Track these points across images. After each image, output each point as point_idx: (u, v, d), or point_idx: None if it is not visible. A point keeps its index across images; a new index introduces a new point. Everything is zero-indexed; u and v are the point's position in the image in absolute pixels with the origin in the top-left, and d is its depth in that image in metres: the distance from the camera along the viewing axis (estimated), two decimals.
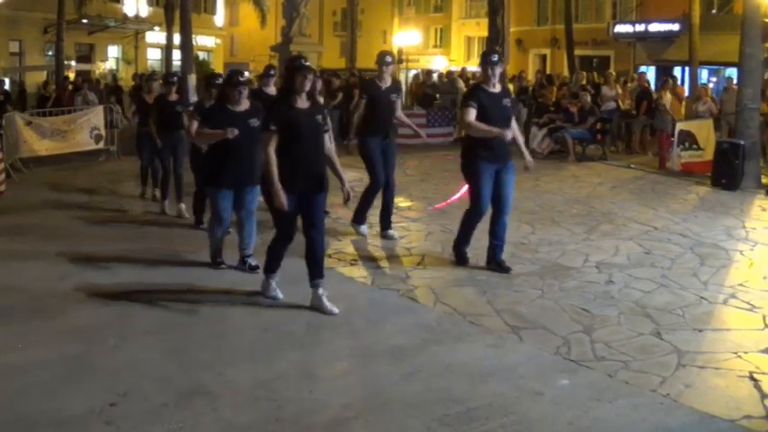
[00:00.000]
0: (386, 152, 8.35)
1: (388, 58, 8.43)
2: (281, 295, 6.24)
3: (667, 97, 16.49)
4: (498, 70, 7.05)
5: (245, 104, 6.90)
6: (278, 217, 6.02)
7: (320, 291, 6.02)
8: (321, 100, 8.52)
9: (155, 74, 12.45)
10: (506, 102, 7.14)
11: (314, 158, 5.94)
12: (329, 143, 6.20)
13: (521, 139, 7.38)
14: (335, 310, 5.95)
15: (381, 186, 8.35)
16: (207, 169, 7.17)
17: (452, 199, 9.83)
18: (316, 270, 6.05)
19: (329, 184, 6.09)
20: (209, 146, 7.06)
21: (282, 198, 5.75)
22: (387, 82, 8.35)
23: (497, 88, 7.09)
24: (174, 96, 9.98)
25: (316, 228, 6.01)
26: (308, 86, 5.88)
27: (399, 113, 8.55)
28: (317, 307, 5.98)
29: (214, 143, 6.89)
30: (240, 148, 6.69)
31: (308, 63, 6.04)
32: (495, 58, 7.10)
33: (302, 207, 5.95)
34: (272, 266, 6.27)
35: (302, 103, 5.91)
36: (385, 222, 8.50)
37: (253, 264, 7.04)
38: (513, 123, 7.24)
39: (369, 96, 8.33)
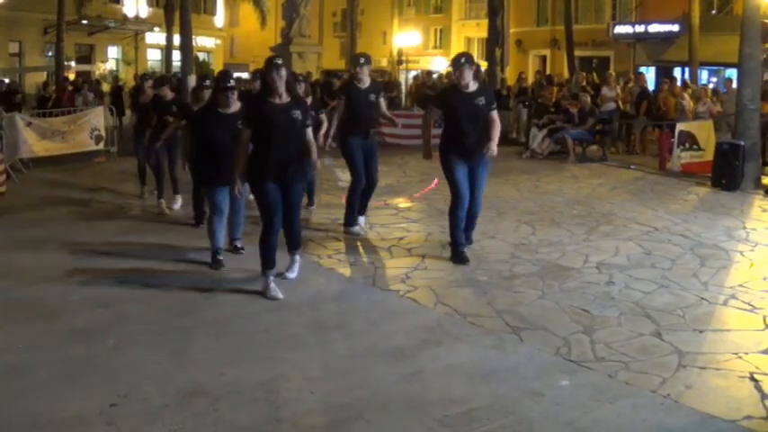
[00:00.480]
0: (368, 150, 8.57)
1: (360, 60, 8.64)
2: (281, 295, 6.27)
3: (687, 98, 16.40)
4: (467, 72, 7.39)
5: (234, 107, 7.22)
6: (261, 206, 6.41)
7: (295, 257, 6.81)
8: (309, 100, 8.76)
9: (147, 75, 12.65)
10: (479, 101, 7.45)
11: (290, 150, 6.29)
12: (310, 135, 6.52)
13: (496, 131, 7.55)
14: (291, 275, 6.76)
15: (363, 184, 8.58)
16: (199, 169, 7.49)
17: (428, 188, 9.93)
18: (291, 243, 6.73)
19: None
20: (199, 147, 7.35)
21: (238, 187, 6.32)
22: (365, 83, 8.53)
23: (471, 88, 7.45)
24: (168, 96, 10.06)
25: (292, 211, 6.49)
26: (280, 82, 6.23)
27: (383, 111, 8.81)
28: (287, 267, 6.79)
29: (204, 145, 7.26)
30: (229, 149, 6.80)
31: (279, 61, 6.38)
32: (462, 60, 7.46)
33: (283, 195, 6.38)
34: (267, 262, 6.42)
35: (279, 99, 6.27)
36: (360, 209, 8.75)
37: (239, 245, 7.59)
38: (494, 116, 7.51)
39: (347, 97, 8.57)
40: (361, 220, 8.82)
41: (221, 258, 7.23)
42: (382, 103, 8.77)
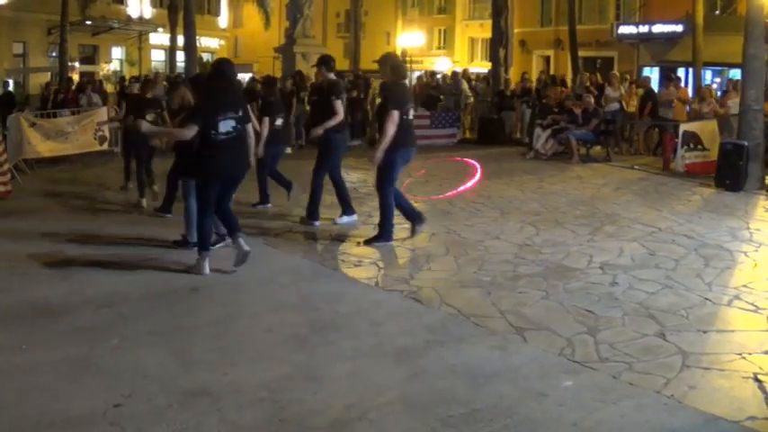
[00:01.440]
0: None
1: (318, 61, 9.28)
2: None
3: (735, 100, 16.28)
4: (381, 70, 8.18)
5: None
6: None
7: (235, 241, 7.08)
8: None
9: (137, 78, 13.27)
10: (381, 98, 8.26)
11: None
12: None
13: (384, 133, 7.92)
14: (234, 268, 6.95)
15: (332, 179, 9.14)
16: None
17: (454, 192, 9.90)
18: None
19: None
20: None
21: None
22: (322, 83, 9.08)
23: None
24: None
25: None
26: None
27: (336, 111, 8.93)
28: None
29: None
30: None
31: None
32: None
33: None
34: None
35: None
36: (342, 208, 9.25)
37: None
38: (389, 116, 7.80)
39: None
40: (343, 219, 9.12)
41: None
42: (336, 105, 8.79)
